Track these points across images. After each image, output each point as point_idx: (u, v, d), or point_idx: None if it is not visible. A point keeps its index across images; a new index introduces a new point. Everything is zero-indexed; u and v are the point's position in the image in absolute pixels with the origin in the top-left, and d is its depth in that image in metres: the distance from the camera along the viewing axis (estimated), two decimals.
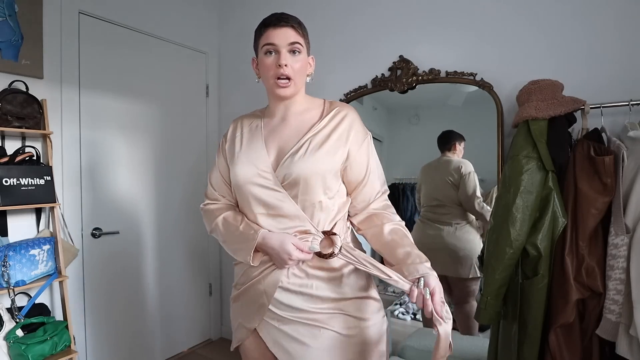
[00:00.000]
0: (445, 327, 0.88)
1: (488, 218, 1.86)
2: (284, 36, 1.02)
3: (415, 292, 0.91)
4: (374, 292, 1.11)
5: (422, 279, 0.92)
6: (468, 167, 1.91)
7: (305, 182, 1.00)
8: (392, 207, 1.13)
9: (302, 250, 0.99)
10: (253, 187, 1.04)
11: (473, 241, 1.92)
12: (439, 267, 1.91)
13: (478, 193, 1.88)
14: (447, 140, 1.97)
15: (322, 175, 1.01)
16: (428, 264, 0.96)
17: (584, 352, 1.26)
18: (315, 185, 1.01)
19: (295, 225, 1.02)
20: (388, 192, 1.14)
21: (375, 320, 1.07)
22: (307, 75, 1.12)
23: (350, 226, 1.13)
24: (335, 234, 1.03)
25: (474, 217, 1.93)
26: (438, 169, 2.02)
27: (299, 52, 1.04)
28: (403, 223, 1.10)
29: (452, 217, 1.95)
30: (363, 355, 1.04)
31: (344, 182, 1.09)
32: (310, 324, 1.03)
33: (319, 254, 1.01)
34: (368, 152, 1.09)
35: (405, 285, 0.93)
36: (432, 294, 0.90)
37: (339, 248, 1.00)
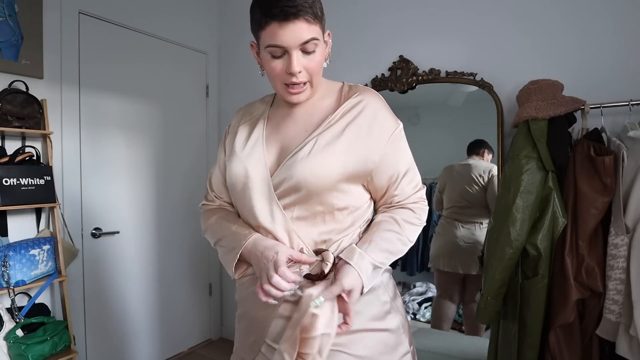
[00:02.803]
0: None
1: None
2: (294, 35, 0.76)
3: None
4: (392, 322, 0.85)
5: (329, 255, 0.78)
6: (496, 170, 1.93)
7: (307, 189, 0.80)
8: (421, 199, 0.91)
9: (286, 280, 0.74)
10: (243, 191, 0.87)
11: None
12: (463, 266, 1.96)
13: None
14: (477, 146, 1.98)
15: (332, 181, 0.80)
16: (362, 246, 0.79)
17: (584, 352, 1.26)
18: (320, 193, 0.80)
19: (284, 241, 0.83)
20: (423, 189, 0.92)
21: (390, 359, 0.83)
22: (325, 60, 0.87)
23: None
24: (326, 250, 0.81)
25: None
26: (465, 171, 2.03)
27: (315, 47, 0.80)
28: (415, 217, 0.88)
29: (479, 217, 1.97)
30: None
31: (365, 187, 0.88)
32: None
33: (307, 276, 0.79)
34: (398, 149, 0.86)
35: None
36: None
37: (330, 266, 0.77)
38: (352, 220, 0.86)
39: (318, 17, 0.79)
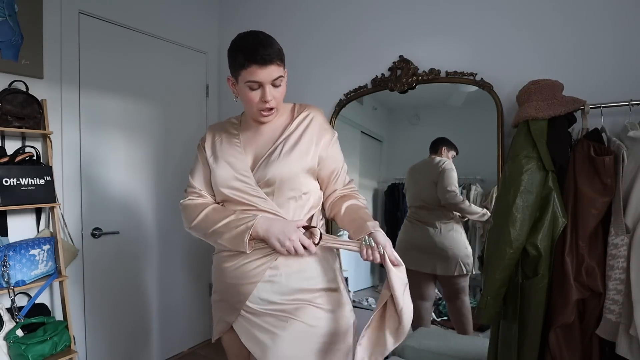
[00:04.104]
0: (396, 271, 0.97)
1: (466, 210, 1.92)
2: (269, 74, 1.06)
3: (364, 249, 1.00)
4: (341, 285, 1.18)
5: (367, 236, 1.01)
6: (448, 164, 1.94)
7: (280, 181, 1.09)
8: (357, 189, 1.25)
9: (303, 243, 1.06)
10: (232, 189, 1.12)
11: (458, 240, 1.96)
12: (427, 266, 1.98)
13: (451, 187, 1.91)
14: (436, 144, 2.00)
15: (296, 175, 1.11)
16: (372, 223, 1.06)
17: (584, 352, 1.26)
18: (289, 184, 1.10)
19: None
20: (353, 180, 1.28)
21: (342, 313, 1.13)
22: None
23: (323, 218, 1.25)
24: (314, 227, 1.10)
25: (458, 215, 1.96)
26: (422, 170, 2.06)
27: (280, 83, 1.10)
28: (364, 201, 1.21)
29: (436, 217, 1.98)
30: (330, 346, 1.09)
31: (317, 179, 1.19)
32: (279, 315, 1.09)
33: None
34: (336, 151, 1.21)
35: (354, 247, 1.03)
36: (382, 247, 0.99)
37: (318, 239, 1.07)
38: (313, 204, 1.17)
39: (283, 61, 1.11)
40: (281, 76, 1.09)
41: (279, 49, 1.09)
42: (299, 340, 1.07)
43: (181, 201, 1.23)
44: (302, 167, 1.12)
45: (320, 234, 1.08)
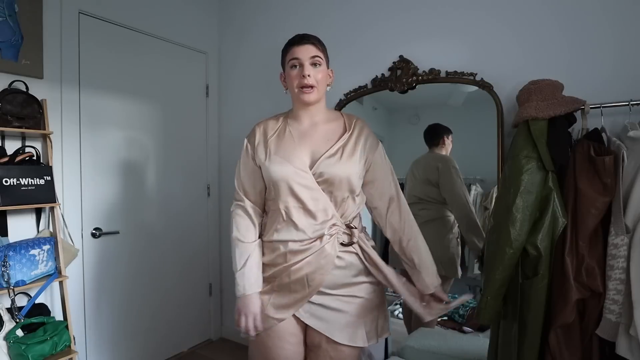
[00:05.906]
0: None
1: (472, 223, 1.86)
2: (306, 51, 1.21)
3: (417, 301, 1.26)
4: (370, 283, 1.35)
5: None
6: (446, 163, 1.90)
7: (339, 181, 1.20)
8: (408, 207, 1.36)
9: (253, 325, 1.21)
10: (291, 184, 1.19)
11: (437, 237, 1.89)
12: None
13: (470, 199, 1.85)
14: (434, 136, 1.96)
15: (352, 177, 1.22)
16: (439, 281, 1.29)
17: (584, 352, 1.26)
18: (346, 184, 1.21)
19: (325, 219, 1.19)
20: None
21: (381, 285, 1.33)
22: (328, 85, 1.31)
23: (361, 223, 1.34)
24: (355, 227, 1.25)
25: (447, 215, 1.92)
26: (420, 166, 2.03)
27: (319, 64, 1.24)
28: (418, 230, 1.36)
29: (427, 213, 1.94)
30: (377, 313, 1.29)
31: (364, 183, 1.30)
32: (346, 294, 1.23)
33: (342, 244, 1.23)
34: (383, 156, 1.33)
35: (411, 295, 1.26)
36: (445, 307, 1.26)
37: (356, 238, 1.23)
38: (361, 201, 1.29)
39: (323, 49, 1.27)
40: (319, 57, 1.23)
41: (319, 39, 1.27)
42: (362, 313, 1.24)
43: (231, 209, 1.34)
44: (358, 171, 1.24)
45: (358, 237, 1.24)
